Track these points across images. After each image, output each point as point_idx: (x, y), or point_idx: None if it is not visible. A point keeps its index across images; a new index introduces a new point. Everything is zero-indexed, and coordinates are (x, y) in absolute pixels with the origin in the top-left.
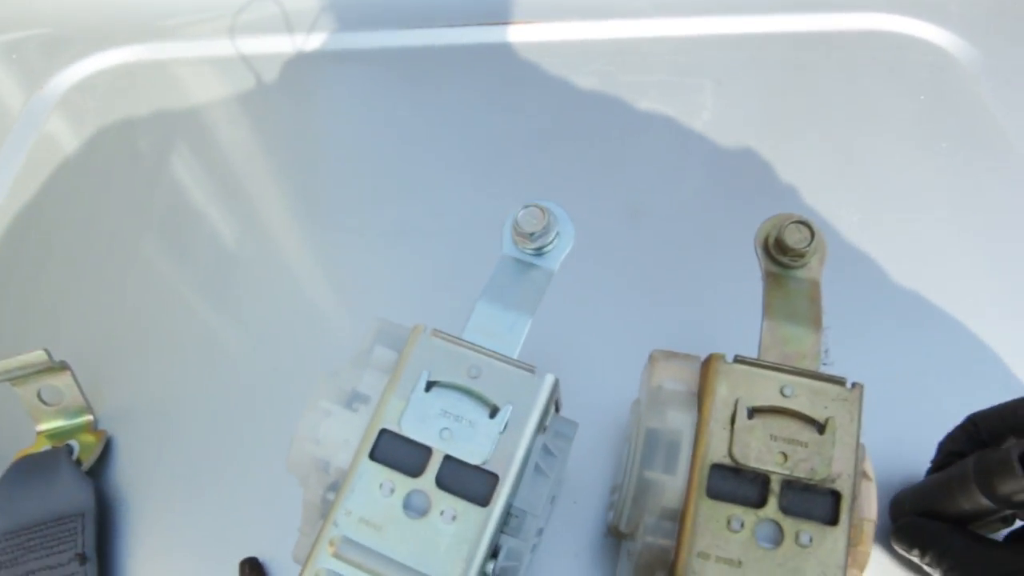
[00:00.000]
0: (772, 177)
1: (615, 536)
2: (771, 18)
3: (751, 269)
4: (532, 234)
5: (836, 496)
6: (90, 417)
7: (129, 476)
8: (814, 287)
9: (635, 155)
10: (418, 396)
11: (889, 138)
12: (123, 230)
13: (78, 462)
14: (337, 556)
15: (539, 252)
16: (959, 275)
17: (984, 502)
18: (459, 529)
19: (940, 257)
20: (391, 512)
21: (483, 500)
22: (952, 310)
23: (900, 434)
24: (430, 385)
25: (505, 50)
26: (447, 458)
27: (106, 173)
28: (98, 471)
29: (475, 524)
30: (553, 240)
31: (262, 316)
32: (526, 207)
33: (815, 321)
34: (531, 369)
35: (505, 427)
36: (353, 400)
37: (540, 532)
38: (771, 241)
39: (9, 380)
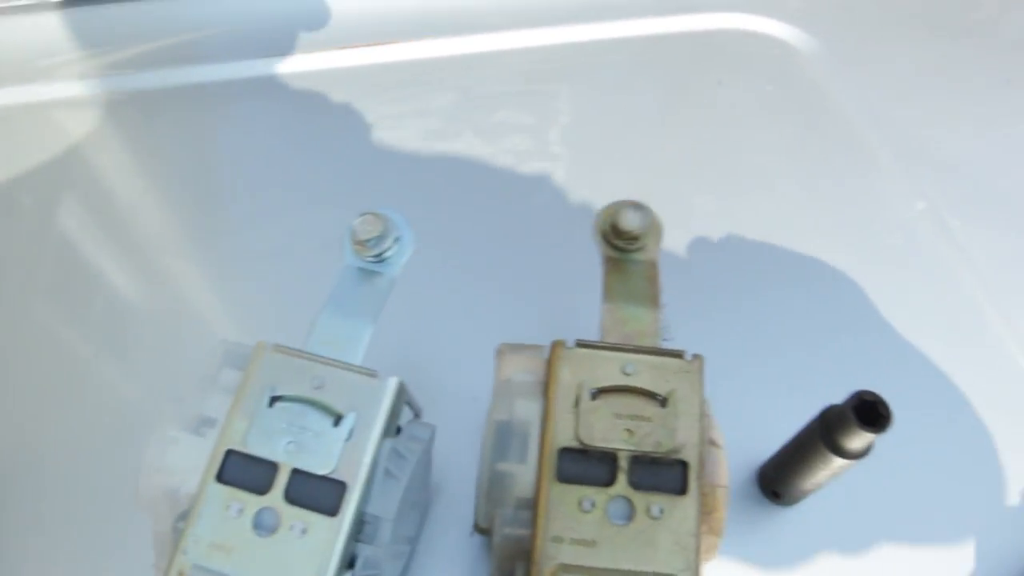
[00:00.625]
0: (629, 171)
1: (481, 534)
2: (620, 24)
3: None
4: (368, 241)
5: (683, 466)
6: None
7: None
8: (651, 268)
9: (496, 162)
10: (262, 413)
11: (740, 127)
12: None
13: None
14: None
15: (379, 259)
16: (810, 251)
17: (833, 458)
18: (309, 542)
19: (791, 233)
20: (241, 533)
21: (332, 510)
22: (806, 285)
23: (765, 408)
24: (274, 400)
25: (361, 72)
26: (294, 471)
27: None
28: None
29: (325, 535)
30: (392, 247)
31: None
32: (362, 215)
33: (653, 300)
34: (373, 374)
35: (350, 434)
36: (201, 425)
37: (411, 540)
38: (608, 227)
39: None
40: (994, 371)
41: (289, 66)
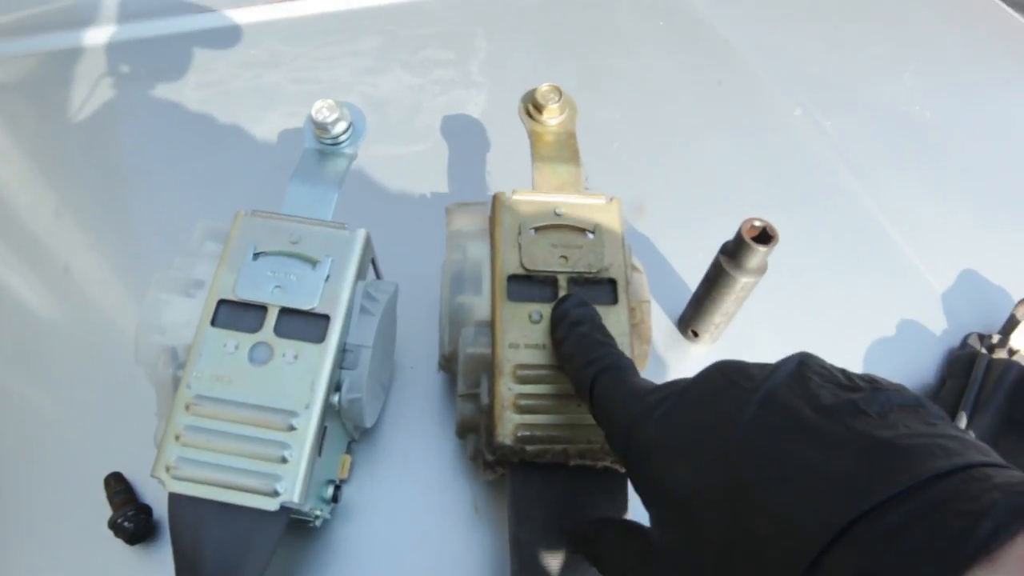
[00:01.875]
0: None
1: (446, 371)
2: None
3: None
4: (327, 123)
5: (612, 282)
6: None
7: None
8: (570, 136)
9: (425, 91)
10: (248, 265)
11: (638, 55)
12: None
13: None
14: (194, 413)
15: (335, 142)
16: (707, 147)
17: (737, 278)
18: (301, 365)
19: (676, 119)
20: (238, 365)
21: (319, 338)
22: (705, 169)
23: (681, 269)
24: (257, 256)
25: (287, 24)
26: (282, 310)
27: None
28: None
29: (314, 358)
30: (347, 130)
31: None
32: (321, 101)
33: (574, 158)
34: (343, 226)
35: (328, 276)
36: (189, 288)
37: (384, 388)
38: (531, 104)
39: None
40: (852, 220)
41: (222, 20)
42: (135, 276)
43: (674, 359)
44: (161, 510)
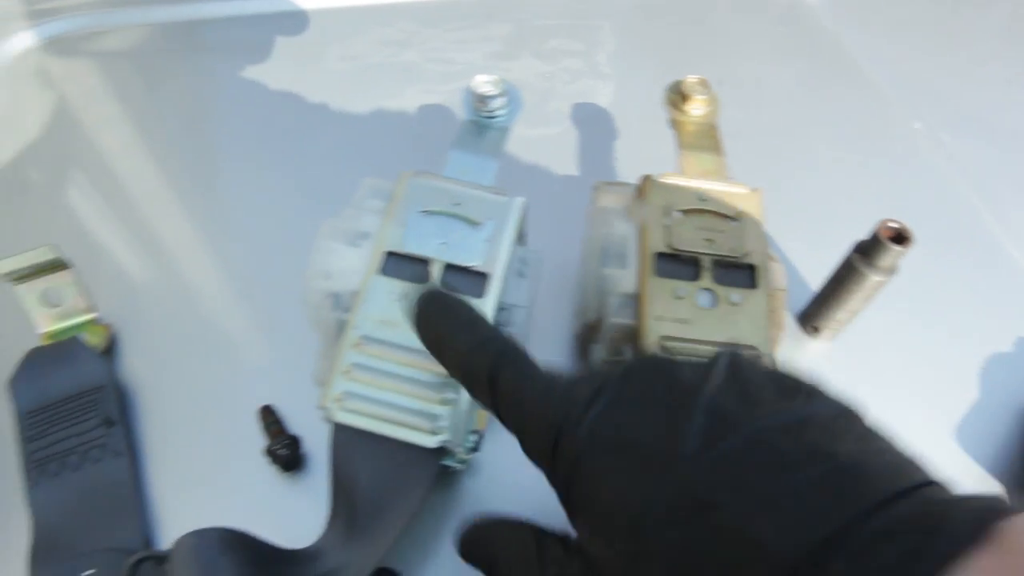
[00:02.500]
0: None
1: (583, 341)
2: None
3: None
4: (488, 97)
5: (752, 268)
6: (94, 315)
7: (138, 364)
8: (712, 128)
9: (559, 75)
10: (415, 219)
11: (758, 60)
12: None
13: None
14: (361, 352)
15: (492, 115)
16: (824, 158)
17: (868, 275)
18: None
19: (793, 123)
20: (400, 312)
21: (479, 294)
22: (825, 183)
23: (801, 267)
24: (422, 214)
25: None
26: (447, 265)
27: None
28: (108, 361)
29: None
30: (505, 105)
31: (254, 199)
32: (480, 76)
33: (717, 148)
34: (504, 193)
35: (489, 237)
36: (355, 238)
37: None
38: (676, 95)
39: (12, 280)
40: (977, 249)
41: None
42: (279, 229)
43: (791, 354)
44: (309, 443)
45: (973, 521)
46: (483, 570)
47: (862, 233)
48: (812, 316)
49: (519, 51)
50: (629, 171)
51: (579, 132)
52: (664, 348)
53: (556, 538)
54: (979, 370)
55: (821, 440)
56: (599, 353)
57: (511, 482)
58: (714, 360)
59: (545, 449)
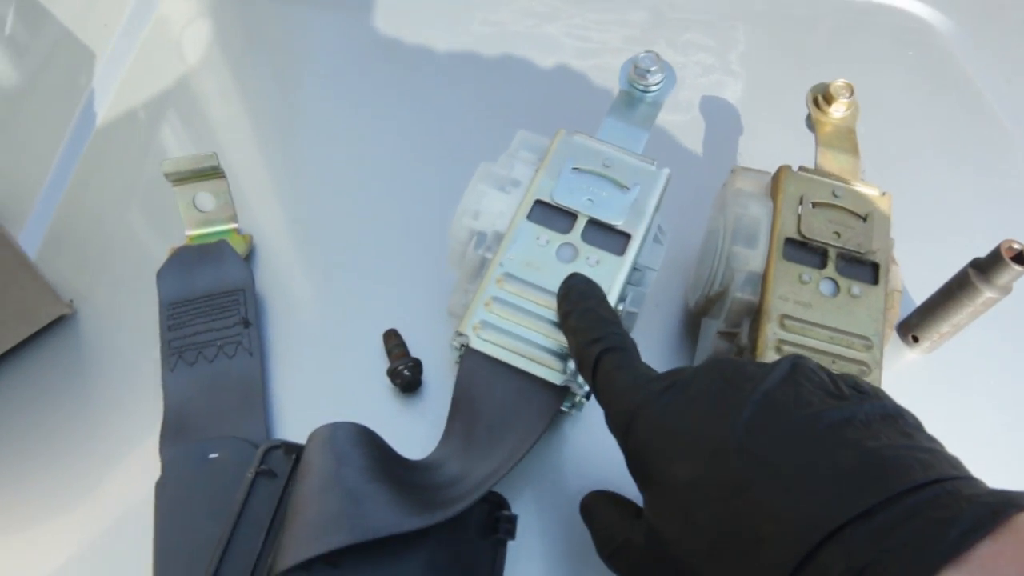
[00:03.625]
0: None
1: (696, 313)
2: None
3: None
4: (648, 71)
5: (875, 266)
6: (236, 225)
7: (274, 275)
8: (850, 131)
9: (691, 67)
10: (566, 174)
11: (884, 78)
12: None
13: None
14: (503, 287)
15: (647, 90)
16: (932, 153)
17: (982, 291)
18: (600, 271)
19: (913, 142)
20: (547, 257)
21: (619, 251)
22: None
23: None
24: (574, 171)
25: None
26: (590, 220)
27: None
28: None
29: (613, 268)
30: (660, 83)
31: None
32: (646, 52)
33: (854, 150)
34: (652, 162)
35: (635, 201)
36: (506, 184)
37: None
38: (820, 96)
39: (172, 180)
40: None
41: None
42: (412, 171)
43: (888, 360)
44: (429, 369)
45: (993, 508)
46: (588, 525)
47: (969, 255)
48: (914, 325)
49: (654, 39)
50: (751, 165)
51: (706, 123)
52: (785, 326)
53: (635, 507)
54: None
55: (860, 436)
56: (714, 327)
57: (599, 447)
58: (779, 362)
59: (622, 426)
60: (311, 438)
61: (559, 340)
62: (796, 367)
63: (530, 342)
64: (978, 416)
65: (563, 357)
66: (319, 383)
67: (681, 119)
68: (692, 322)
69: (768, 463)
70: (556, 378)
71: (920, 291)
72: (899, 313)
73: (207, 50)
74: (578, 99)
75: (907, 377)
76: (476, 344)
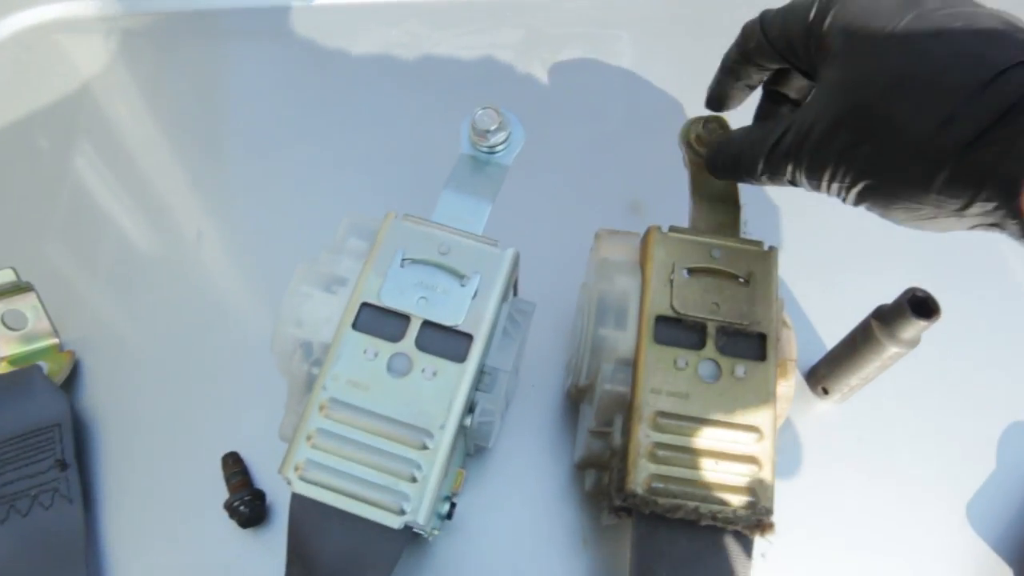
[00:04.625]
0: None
1: (573, 398)
2: None
3: (675, 163)
4: (487, 131)
5: (762, 337)
6: (56, 340)
7: (100, 395)
8: None
9: (566, 90)
10: (395, 270)
11: None
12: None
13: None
14: (328, 416)
15: (492, 151)
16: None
17: (887, 347)
18: (440, 383)
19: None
20: (376, 373)
21: (460, 357)
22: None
23: (814, 318)
24: (404, 263)
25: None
26: (425, 323)
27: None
28: (68, 390)
29: (454, 377)
30: (505, 140)
31: (225, 231)
32: (483, 108)
33: (734, 199)
34: (495, 243)
35: (475, 294)
36: (331, 284)
37: (507, 404)
38: (692, 136)
39: None
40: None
41: None
42: (266, 252)
43: (798, 412)
44: (274, 496)
45: None
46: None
47: (885, 290)
48: (823, 377)
49: (529, 61)
50: (648, 217)
51: (590, 155)
52: (658, 426)
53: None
54: (996, 444)
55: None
56: (590, 417)
57: (487, 545)
58: None
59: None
60: None
61: (395, 473)
62: None
63: (361, 480)
64: (897, 468)
65: (400, 495)
66: (154, 524)
67: (567, 149)
68: (571, 409)
69: (909, 36)
70: (393, 521)
71: (833, 334)
72: (793, 385)
73: None
74: (431, 159)
75: (818, 428)
76: (300, 488)
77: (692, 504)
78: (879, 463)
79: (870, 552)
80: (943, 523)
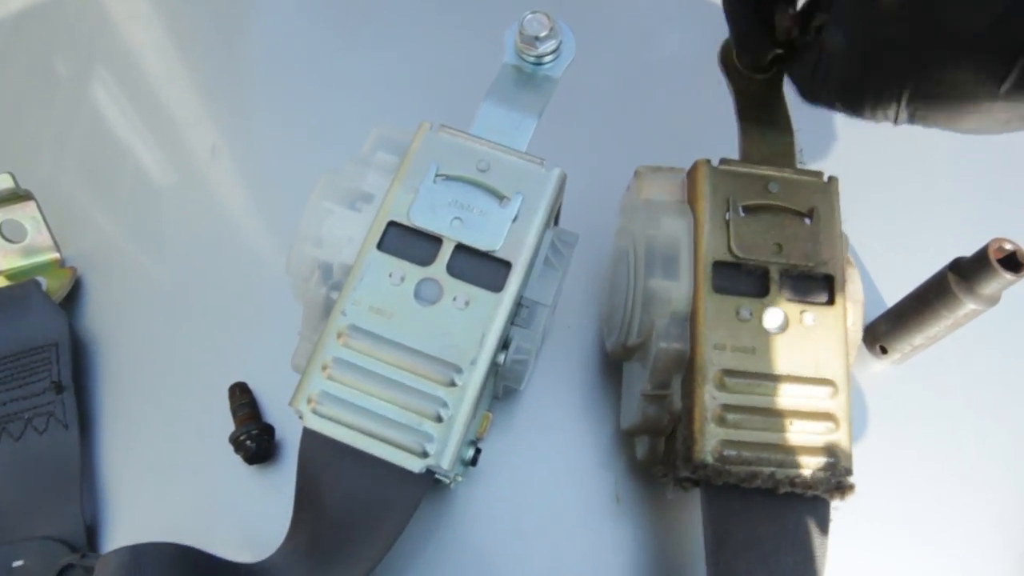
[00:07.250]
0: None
1: (619, 357)
2: None
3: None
4: (536, 38)
5: (829, 279)
6: (57, 255)
7: (101, 315)
8: (779, 98)
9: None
10: (427, 187)
11: None
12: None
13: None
14: (346, 345)
15: (539, 61)
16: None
17: (964, 303)
18: (472, 314)
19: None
20: (402, 300)
21: (496, 286)
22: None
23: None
24: (438, 178)
25: None
26: (458, 246)
27: None
28: (68, 309)
29: (488, 308)
30: (555, 50)
31: (242, 146)
32: (533, 12)
33: (787, 124)
34: (540, 162)
35: (516, 216)
36: (356, 199)
37: (542, 343)
38: (734, 56)
39: None
40: None
41: None
42: (285, 170)
43: (856, 374)
44: (284, 431)
45: None
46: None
47: (961, 246)
48: (882, 334)
49: None
50: (693, 150)
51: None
52: (726, 386)
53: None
54: None
55: None
56: (638, 376)
57: (513, 494)
58: None
59: None
60: (101, 566)
61: (418, 411)
62: None
63: (381, 417)
64: (950, 441)
65: (423, 435)
66: (153, 454)
67: (608, 75)
68: (612, 367)
69: None
70: (414, 465)
71: (894, 291)
72: (860, 328)
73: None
74: (468, 74)
75: (873, 390)
76: (312, 423)
77: (768, 470)
78: (937, 436)
79: (922, 543)
80: (1006, 512)
